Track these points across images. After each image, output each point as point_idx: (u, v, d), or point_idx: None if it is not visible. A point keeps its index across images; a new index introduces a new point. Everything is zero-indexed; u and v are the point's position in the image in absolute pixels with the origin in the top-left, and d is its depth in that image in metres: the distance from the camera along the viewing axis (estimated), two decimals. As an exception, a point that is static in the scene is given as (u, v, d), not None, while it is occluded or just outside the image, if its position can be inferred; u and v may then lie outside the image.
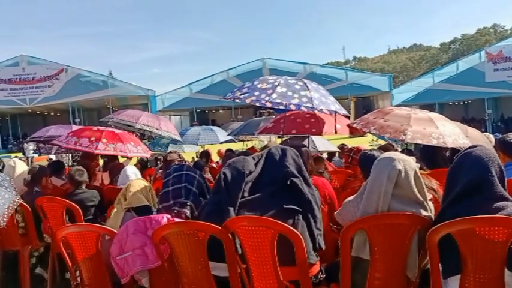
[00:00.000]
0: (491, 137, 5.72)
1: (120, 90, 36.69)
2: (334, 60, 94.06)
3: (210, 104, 37.46)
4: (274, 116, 8.60)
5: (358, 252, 2.38)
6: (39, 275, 4.42)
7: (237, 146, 13.03)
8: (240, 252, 2.47)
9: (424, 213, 2.30)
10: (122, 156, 6.54)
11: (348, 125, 5.80)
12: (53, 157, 11.93)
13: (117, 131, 6.14)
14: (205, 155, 8.42)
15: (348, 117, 7.41)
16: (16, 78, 35.93)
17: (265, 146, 4.80)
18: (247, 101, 5.17)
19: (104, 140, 5.51)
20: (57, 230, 3.08)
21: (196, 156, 11.58)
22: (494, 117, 35.67)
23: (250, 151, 5.55)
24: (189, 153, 12.91)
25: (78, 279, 3.09)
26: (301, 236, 2.35)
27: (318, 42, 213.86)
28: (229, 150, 7.58)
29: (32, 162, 16.91)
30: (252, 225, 2.41)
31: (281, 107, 5.45)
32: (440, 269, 2.17)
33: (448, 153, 4.46)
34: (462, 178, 2.17)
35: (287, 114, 6.42)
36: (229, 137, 11.40)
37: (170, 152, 7.76)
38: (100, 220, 4.08)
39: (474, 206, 2.07)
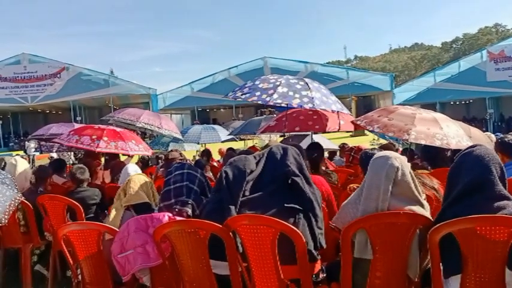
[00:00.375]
0: (493, 136, 5.73)
1: (121, 88, 36.69)
2: (335, 60, 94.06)
3: (211, 102, 37.44)
4: (275, 115, 8.60)
5: (361, 253, 2.37)
6: (41, 272, 4.43)
7: (238, 145, 13.04)
8: (241, 251, 2.48)
9: (422, 210, 2.31)
10: (123, 155, 6.55)
11: (352, 122, 5.80)
12: (55, 155, 11.94)
13: (118, 129, 6.14)
14: (207, 153, 8.43)
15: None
16: (17, 77, 35.95)
17: (267, 145, 4.81)
18: (249, 99, 5.17)
19: (106, 138, 5.51)
20: (58, 228, 3.08)
21: (198, 155, 11.59)
22: (496, 117, 35.61)
23: (251, 150, 5.55)
24: (190, 152, 12.91)
25: (79, 277, 3.09)
26: (302, 235, 2.35)
27: (319, 42, 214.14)
28: (230, 149, 7.57)
29: (33, 160, 16.96)
30: (253, 223, 2.41)
31: (283, 105, 5.45)
32: (441, 268, 2.17)
33: (449, 153, 4.46)
34: (463, 178, 2.17)
35: (289, 112, 6.41)
36: (231, 136, 11.40)
37: (171, 150, 7.78)
38: (101, 218, 4.09)
39: (475, 206, 2.07)
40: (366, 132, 23.13)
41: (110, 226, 3.03)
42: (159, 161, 8.32)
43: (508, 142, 3.81)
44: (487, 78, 33.61)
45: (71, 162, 10.75)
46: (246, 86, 5.12)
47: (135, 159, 8.23)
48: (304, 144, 7.48)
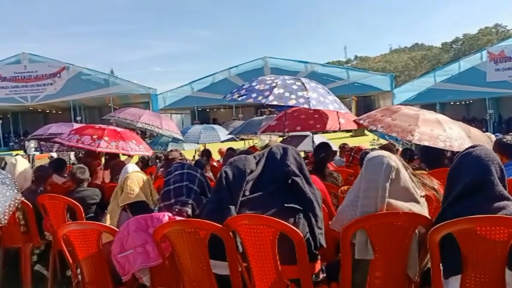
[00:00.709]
0: (493, 136, 5.73)
1: (121, 88, 36.67)
2: (335, 60, 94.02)
3: (211, 102, 37.42)
4: (275, 115, 8.59)
5: (361, 254, 2.36)
6: (41, 272, 4.43)
7: (238, 145, 13.04)
8: (241, 251, 2.48)
9: (420, 209, 2.32)
10: (123, 155, 6.55)
11: (354, 121, 5.79)
12: (54, 155, 11.94)
13: (119, 129, 6.15)
14: (206, 153, 8.43)
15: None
16: (17, 76, 35.93)
17: (267, 145, 4.81)
18: (245, 101, 5.18)
19: (106, 138, 5.51)
20: (58, 228, 3.08)
21: (198, 155, 11.59)
22: (496, 117, 35.60)
23: (251, 150, 5.56)
24: (189, 152, 12.92)
25: (79, 277, 3.09)
26: (302, 235, 2.35)
27: (319, 42, 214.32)
28: (230, 149, 7.57)
29: (33, 160, 16.96)
30: (253, 223, 2.41)
31: (281, 104, 5.46)
32: (441, 268, 2.17)
33: (448, 153, 4.46)
34: (463, 178, 2.17)
35: (289, 111, 6.41)
36: (230, 136, 11.40)
37: (171, 150, 7.78)
38: (101, 218, 4.08)
39: (475, 206, 2.07)
40: (366, 132, 23.19)
41: (110, 226, 3.03)
42: (157, 160, 8.33)
43: (506, 143, 3.81)
44: (487, 78, 33.59)
45: (71, 162, 10.75)
46: (243, 87, 5.13)
47: (135, 159, 8.23)
48: (305, 144, 7.53)
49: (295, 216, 2.47)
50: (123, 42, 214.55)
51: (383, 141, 13.01)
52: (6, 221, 3.58)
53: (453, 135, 4.11)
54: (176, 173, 3.06)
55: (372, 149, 3.83)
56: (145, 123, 7.58)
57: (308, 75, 32.47)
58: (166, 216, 2.73)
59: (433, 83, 36.01)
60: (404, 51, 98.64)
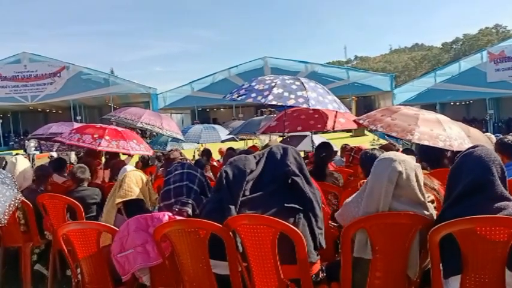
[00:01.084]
0: (493, 137, 5.72)
1: (121, 88, 36.66)
2: (335, 60, 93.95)
3: (212, 102, 37.41)
4: (275, 115, 8.58)
5: (360, 252, 2.38)
6: (41, 271, 4.42)
7: (238, 145, 13.03)
8: (241, 251, 2.48)
9: (425, 213, 2.30)
10: (124, 154, 6.55)
11: (355, 121, 5.80)
12: (55, 154, 11.94)
13: (119, 128, 6.15)
14: (207, 153, 8.42)
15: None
16: (18, 76, 35.93)
17: (267, 145, 4.81)
18: (245, 101, 5.19)
19: (107, 137, 5.52)
20: (58, 227, 3.08)
21: (198, 155, 11.58)
22: (496, 118, 35.59)
23: (251, 149, 5.55)
24: (189, 151, 12.91)
25: (79, 276, 3.09)
26: (302, 235, 2.35)
27: (319, 42, 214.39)
28: (230, 149, 7.56)
29: (33, 159, 16.97)
30: (253, 223, 2.41)
31: (280, 104, 5.47)
32: (441, 268, 2.17)
33: (449, 154, 4.46)
34: (463, 178, 2.17)
35: (289, 112, 6.41)
36: (231, 136, 11.40)
37: (172, 150, 7.77)
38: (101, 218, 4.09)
39: (475, 206, 2.07)
40: (366, 132, 23.18)
41: (109, 226, 3.03)
42: (157, 160, 8.32)
43: (507, 143, 3.81)
44: (487, 78, 33.59)
45: (72, 161, 10.74)
46: (243, 87, 5.14)
47: (135, 158, 8.23)
48: (304, 144, 7.53)
49: (295, 216, 2.47)
50: (123, 42, 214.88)
51: (383, 142, 12.99)
52: (6, 221, 3.57)
53: (453, 134, 4.11)
54: (176, 172, 3.06)
55: (372, 149, 3.82)
56: (146, 123, 7.58)
57: (308, 75, 32.46)
58: (166, 215, 2.73)
59: (433, 83, 36.02)
60: (404, 52, 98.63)
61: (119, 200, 3.35)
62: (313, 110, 5.97)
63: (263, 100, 4.76)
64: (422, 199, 2.33)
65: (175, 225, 2.60)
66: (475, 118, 36.01)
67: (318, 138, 8.34)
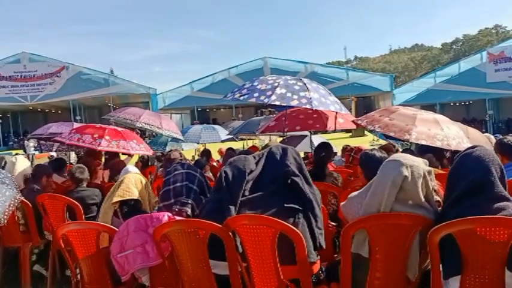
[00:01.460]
0: (492, 137, 5.72)
1: (121, 88, 36.63)
2: (335, 60, 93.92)
3: (211, 102, 37.40)
4: (274, 115, 8.58)
5: (358, 249, 2.38)
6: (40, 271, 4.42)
7: (238, 145, 13.03)
8: (240, 251, 2.47)
9: (427, 215, 2.30)
10: (124, 154, 6.55)
11: (353, 121, 5.80)
12: (54, 154, 11.93)
13: (119, 128, 6.15)
14: (206, 153, 8.42)
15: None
16: (17, 76, 35.89)
17: (266, 145, 4.81)
18: (247, 101, 5.18)
19: (107, 137, 5.52)
20: (57, 227, 3.08)
21: (197, 155, 11.58)
22: (495, 118, 35.61)
23: (251, 150, 5.55)
24: (188, 151, 12.90)
25: (78, 276, 3.09)
26: (301, 235, 2.35)
27: (319, 42, 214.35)
28: (230, 149, 7.56)
29: (33, 159, 16.95)
30: (253, 223, 2.41)
31: (283, 104, 5.47)
32: (441, 269, 2.17)
33: (448, 154, 4.46)
34: (463, 179, 2.17)
35: (288, 112, 6.41)
36: (230, 136, 11.39)
37: (171, 150, 7.76)
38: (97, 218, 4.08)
39: (475, 207, 2.07)
40: (366, 132, 23.18)
41: (109, 226, 3.03)
42: (157, 160, 8.32)
43: (507, 143, 3.81)
44: (487, 79, 33.61)
45: (71, 161, 10.73)
46: (245, 87, 5.13)
47: (135, 159, 8.22)
48: (303, 145, 7.53)
49: (295, 216, 2.47)
50: (123, 42, 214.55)
51: (383, 142, 12.99)
52: (6, 221, 3.57)
53: (451, 134, 4.11)
54: (176, 172, 3.06)
55: (372, 149, 3.82)
56: (146, 123, 7.58)
57: (308, 75, 32.47)
58: (166, 216, 2.73)
59: (433, 84, 36.02)
60: (404, 52, 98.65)
61: (116, 199, 3.34)
62: (311, 110, 5.98)
63: (266, 100, 4.75)
64: (426, 203, 2.31)
65: (174, 226, 2.60)
66: (474, 118, 36.02)
67: (318, 139, 8.34)
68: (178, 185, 2.97)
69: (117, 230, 2.88)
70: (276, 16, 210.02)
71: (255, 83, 5.04)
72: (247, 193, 2.60)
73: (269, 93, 4.75)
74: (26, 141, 20.65)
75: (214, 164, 8.34)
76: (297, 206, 2.49)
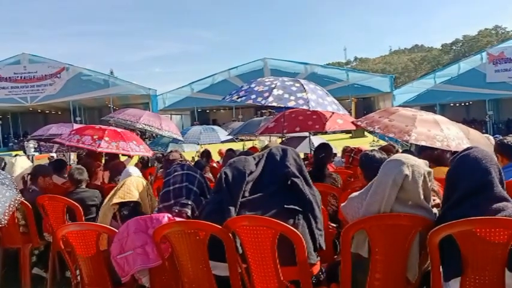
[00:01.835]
0: (491, 138, 5.72)
1: (121, 89, 36.67)
2: (335, 61, 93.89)
3: (211, 103, 37.40)
4: (273, 116, 8.58)
5: (358, 248, 2.38)
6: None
7: (237, 146, 13.03)
8: (240, 252, 2.48)
9: (427, 216, 2.29)
10: (124, 155, 6.55)
11: (353, 123, 5.81)
12: (54, 155, 11.93)
13: (119, 129, 6.15)
14: (206, 154, 8.42)
15: (349, 118, 7.38)
16: (17, 77, 35.92)
17: (266, 146, 4.81)
18: (245, 102, 5.19)
19: (107, 138, 5.52)
20: (57, 229, 3.08)
21: (197, 156, 11.57)
22: (495, 119, 35.62)
23: (251, 151, 5.55)
24: (189, 153, 12.90)
25: (78, 277, 3.09)
26: (301, 236, 2.35)
27: (319, 43, 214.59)
28: (230, 150, 7.56)
29: (32, 160, 16.94)
30: (253, 225, 2.41)
31: (280, 105, 5.47)
32: (441, 271, 2.17)
33: (448, 155, 4.45)
34: (462, 180, 2.17)
35: (287, 113, 6.41)
36: (230, 137, 11.40)
37: (171, 151, 7.76)
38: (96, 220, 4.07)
39: (476, 208, 2.07)
40: (366, 133, 23.18)
41: (109, 227, 3.02)
42: (157, 161, 8.32)
43: (507, 144, 3.80)
44: (486, 79, 33.62)
45: (71, 162, 10.73)
46: (243, 89, 5.14)
47: (135, 160, 8.22)
48: (303, 146, 7.53)
49: (295, 218, 2.47)
50: (123, 42, 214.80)
51: (382, 143, 13.00)
52: (6, 222, 3.57)
53: (451, 135, 4.11)
54: (176, 173, 3.06)
55: (372, 150, 3.82)
56: (145, 124, 7.58)
57: (308, 76, 32.50)
58: (165, 217, 2.73)
59: (433, 85, 36.04)
60: (404, 53, 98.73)
61: (116, 200, 3.33)
62: (311, 111, 5.98)
63: (263, 102, 4.76)
64: (426, 204, 2.31)
65: (174, 227, 2.60)
66: (474, 119, 36.01)
67: (318, 140, 8.34)
68: (178, 186, 2.97)
69: (116, 231, 2.88)
70: (276, 16, 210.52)
71: (252, 85, 5.05)
72: (247, 194, 2.60)
73: (266, 94, 4.76)
74: (26, 142, 20.66)
75: (214, 165, 8.34)
76: (297, 207, 2.49)
